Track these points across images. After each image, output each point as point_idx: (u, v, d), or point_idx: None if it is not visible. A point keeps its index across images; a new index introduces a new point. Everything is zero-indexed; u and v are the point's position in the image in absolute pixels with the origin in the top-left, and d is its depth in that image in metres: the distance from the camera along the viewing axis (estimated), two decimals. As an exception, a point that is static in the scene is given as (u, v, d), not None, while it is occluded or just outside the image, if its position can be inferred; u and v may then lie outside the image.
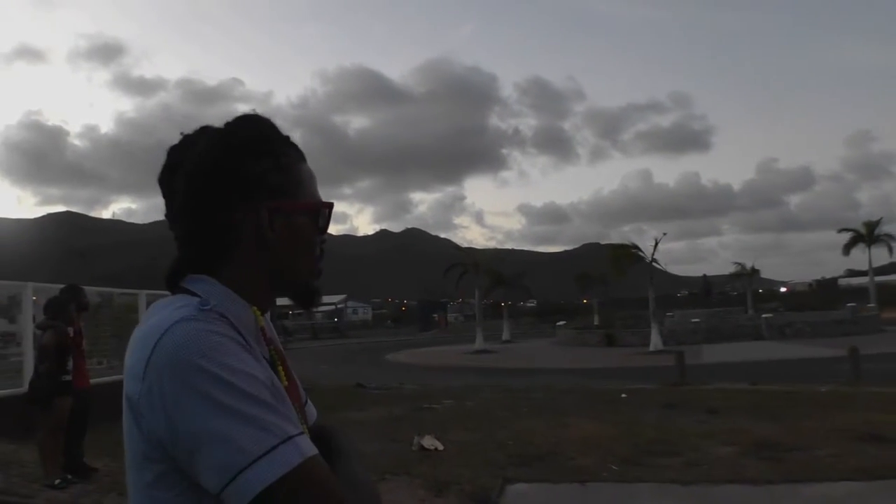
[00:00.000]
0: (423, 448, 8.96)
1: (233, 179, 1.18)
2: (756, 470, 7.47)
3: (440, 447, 9.02)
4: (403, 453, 8.79)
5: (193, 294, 1.16)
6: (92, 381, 8.69)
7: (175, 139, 1.25)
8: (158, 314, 1.11)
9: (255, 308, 1.21)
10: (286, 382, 1.21)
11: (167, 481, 1.05)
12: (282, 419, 1.03)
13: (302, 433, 1.05)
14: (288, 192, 1.23)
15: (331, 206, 1.29)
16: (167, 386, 1.01)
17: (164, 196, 1.23)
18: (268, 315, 1.26)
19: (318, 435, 1.26)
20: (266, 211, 1.19)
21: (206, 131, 1.23)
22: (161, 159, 1.24)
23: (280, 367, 1.23)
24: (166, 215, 1.23)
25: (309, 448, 1.03)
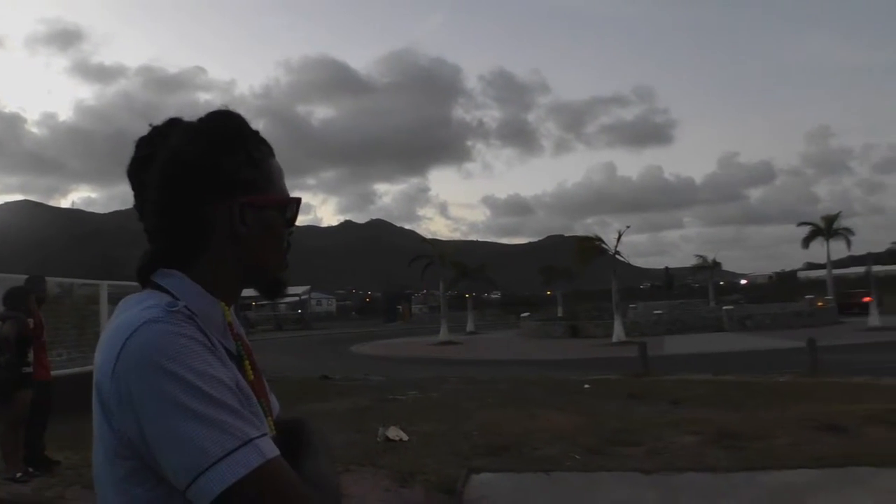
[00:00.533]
0: (388, 439, 8.97)
1: (208, 174, 1.20)
2: (717, 458, 7.60)
3: (405, 438, 9.03)
4: (368, 444, 8.79)
5: (163, 290, 1.17)
6: (52, 373, 8.57)
7: (140, 129, 1.26)
8: (127, 312, 1.13)
9: (223, 303, 1.22)
10: (252, 376, 1.23)
11: (139, 476, 1.07)
12: (244, 422, 1.05)
13: (265, 435, 1.07)
14: (260, 186, 1.25)
15: (299, 200, 1.32)
16: (134, 387, 1.03)
17: (134, 188, 1.24)
18: (233, 308, 1.27)
19: (288, 427, 1.28)
20: (239, 206, 1.21)
21: (177, 124, 1.24)
22: (122, 148, 1.26)
23: (247, 362, 1.24)
24: (136, 207, 1.24)
25: (270, 450, 1.05)
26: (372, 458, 7.84)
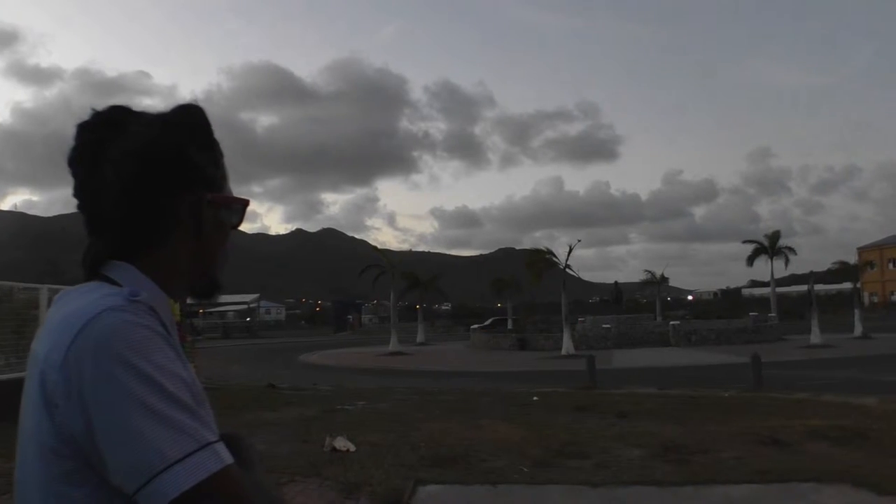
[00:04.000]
0: (334, 449, 8.85)
1: (180, 167, 1.17)
2: (663, 472, 7.66)
3: (352, 448, 8.93)
4: (315, 454, 8.66)
5: (113, 283, 1.12)
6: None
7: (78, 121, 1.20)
8: (79, 300, 1.06)
9: (171, 300, 1.18)
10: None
11: (77, 478, 1.00)
12: (201, 424, 0.99)
13: (220, 440, 1.02)
14: (218, 185, 1.24)
15: (248, 203, 1.30)
16: (88, 377, 0.96)
17: (76, 176, 1.17)
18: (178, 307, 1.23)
19: (226, 441, 1.22)
20: (206, 202, 1.19)
21: (131, 113, 1.20)
22: (62, 152, 1.19)
23: (192, 365, 1.20)
24: (76, 195, 1.17)
25: (227, 456, 1.00)
26: (318, 469, 7.72)
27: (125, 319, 1.00)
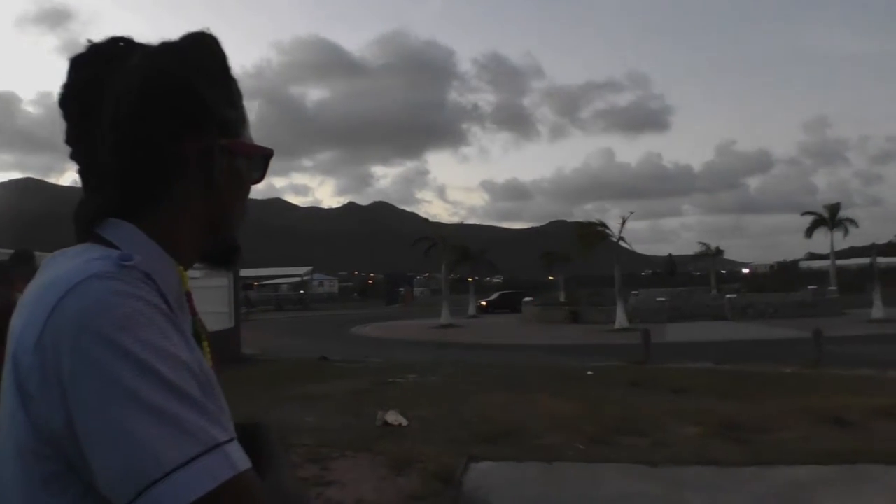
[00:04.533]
0: (386, 423, 8.80)
1: (190, 106, 0.98)
2: (722, 451, 7.42)
3: (404, 423, 8.86)
4: (366, 429, 8.62)
5: (110, 244, 0.93)
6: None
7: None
8: (64, 265, 0.88)
9: (180, 267, 0.99)
10: (210, 364, 0.98)
11: (59, 484, 0.81)
12: (209, 420, 0.80)
13: (233, 439, 0.82)
14: (236, 130, 1.05)
15: (271, 153, 1.11)
16: (67, 362, 0.78)
17: (69, 119, 0.99)
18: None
19: (244, 434, 1.05)
20: (219, 148, 1.00)
21: (136, 45, 1.01)
22: None
23: (205, 343, 1.02)
24: (68, 142, 1.00)
25: (241, 460, 0.81)
26: (369, 444, 7.65)
27: (114, 289, 0.82)
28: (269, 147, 1.10)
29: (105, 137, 0.94)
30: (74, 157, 1.00)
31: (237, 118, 1.05)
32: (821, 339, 15.75)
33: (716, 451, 7.43)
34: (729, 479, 6.56)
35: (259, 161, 1.10)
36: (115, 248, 0.92)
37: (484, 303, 56.48)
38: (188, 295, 1.01)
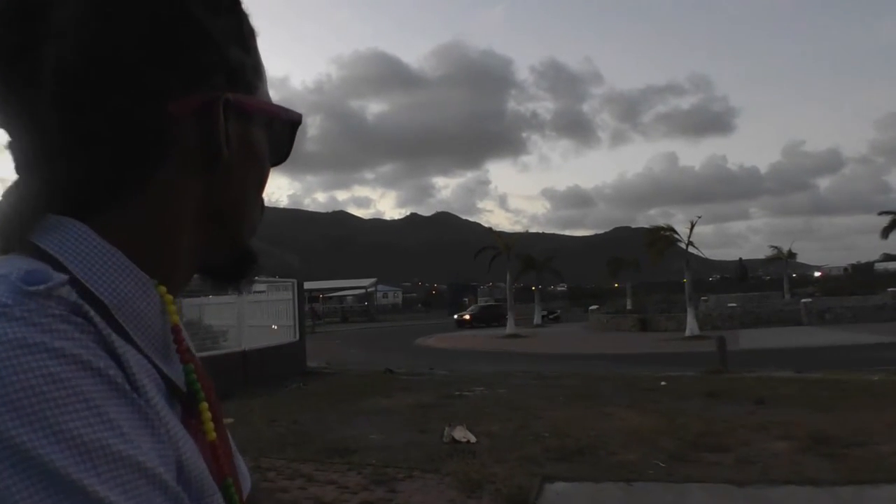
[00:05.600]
0: (454, 440, 8.46)
1: (177, 37, 0.62)
2: (816, 468, 6.89)
3: (472, 439, 8.51)
4: (433, 446, 8.29)
5: (46, 256, 0.57)
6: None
7: None
8: None
9: (162, 288, 0.62)
10: (213, 435, 0.63)
11: None
12: None
13: None
14: (250, 82, 0.69)
15: (299, 119, 0.76)
16: None
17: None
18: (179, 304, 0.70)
19: None
20: (224, 104, 0.64)
21: None
22: None
23: (203, 405, 0.63)
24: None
25: None
26: (436, 463, 7.31)
27: (11, 340, 0.48)
28: (296, 111, 0.75)
29: (47, 88, 0.59)
30: (6, 124, 0.63)
31: (251, 64, 0.70)
32: (911, 344, 14.88)
33: (808, 468, 6.90)
34: (826, 500, 6.06)
35: (283, 130, 0.74)
36: (54, 260, 0.57)
37: (467, 316, 54.69)
38: (176, 330, 0.63)
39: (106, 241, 0.59)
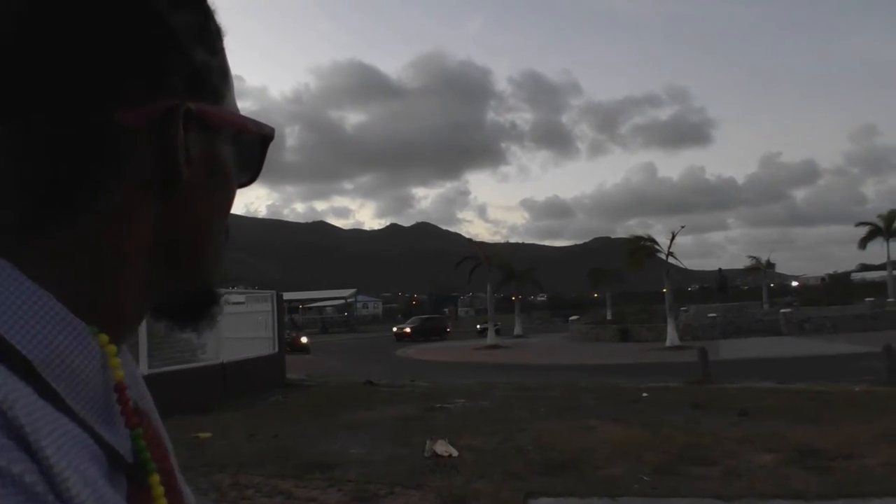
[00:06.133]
0: (436, 454, 8.32)
1: (130, 31, 0.50)
2: (803, 482, 6.80)
3: (454, 453, 8.37)
4: (415, 460, 8.14)
5: None
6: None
7: None
8: None
9: (103, 337, 0.50)
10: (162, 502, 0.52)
11: None
12: None
13: None
14: (215, 90, 0.57)
15: (271, 134, 0.63)
16: None
17: None
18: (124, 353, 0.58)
19: None
20: (185, 113, 0.52)
21: None
22: None
23: (154, 478, 0.51)
24: None
25: None
26: (419, 478, 7.17)
27: None
28: (269, 125, 0.63)
29: None
30: None
31: (218, 70, 0.58)
32: (893, 354, 14.88)
33: (795, 481, 6.81)
34: (815, 515, 5.97)
35: (252, 145, 0.62)
36: None
37: (407, 330, 53.86)
38: (120, 388, 0.51)
39: (32, 280, 0.47)
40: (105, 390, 0.50)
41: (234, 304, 20.47)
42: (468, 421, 11.09)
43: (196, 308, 0.60)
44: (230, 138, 0.58)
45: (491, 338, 39.77)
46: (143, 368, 12.74)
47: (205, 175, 0.55)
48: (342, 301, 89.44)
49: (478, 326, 55.88)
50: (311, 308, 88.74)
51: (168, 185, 0.52)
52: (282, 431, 10.36)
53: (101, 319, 0.50)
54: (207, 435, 10.09)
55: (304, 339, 38.13)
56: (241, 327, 18.27)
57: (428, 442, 8.71)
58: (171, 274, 0.55)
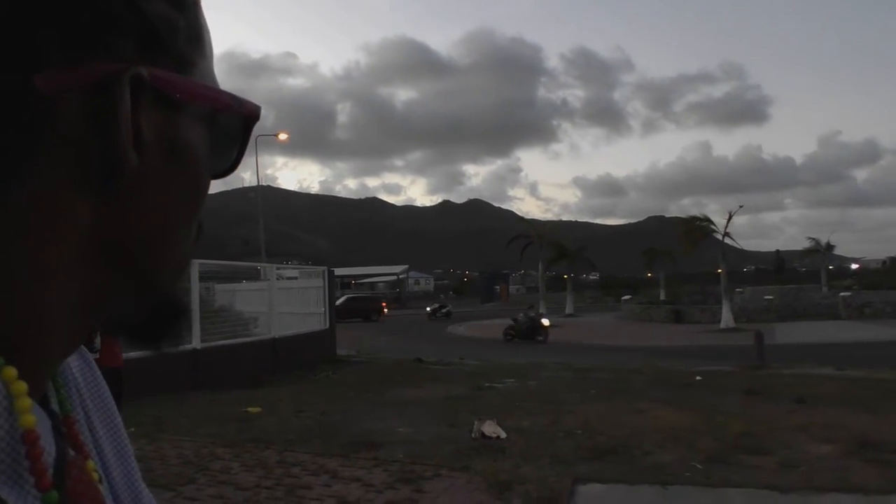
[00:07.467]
0: (483, 435, 8.23)
1: None
2: (863, 474, 6.54)
3: (502, 435, 8.27)
4: (462, 441, 8.06)
5: None
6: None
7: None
8: None
9: (10, 371, 0.38)
10: None
11: None
12: None
13: None
14: (180, 55, 0.45)
15: (256, 113, 0.50)
16: None
17: None
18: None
19: None
20: (133, 79, 0.40)
21: None
22: None
23: None
24: None
25: None
26: (465, 460, 7.08)
27: None
28: (251, 101, 0.50)
29: None
30: None
31: (187, 30, 0.45)
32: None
33: (854, 475, 6.55)
34: (875, 510, 5.74)
35: (232, 127, 0.50)
36: None
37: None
38: (30, 439, 0.39)
39: None
40: (9, 443, 0.39)
41: (288, 279, 20.65)
42: (516, 401, 10.98)
43: (156, 323, 0.49)
44: (201, 117, 0.46)
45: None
46: (196, 343, 12.89)
47: (163, 161, 0.43)
48: (394, 277, 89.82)
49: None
50: (362, 284, 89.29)
51: (109, 174, 0.40)
52: (330, 408, 10.37)
53: (13, 346, 0.39)
54: (257, 409, 10.16)
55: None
56: (294, 302, 18.41)
57: (476, 422, 8.62)
58: (119, 283, 0.44)
